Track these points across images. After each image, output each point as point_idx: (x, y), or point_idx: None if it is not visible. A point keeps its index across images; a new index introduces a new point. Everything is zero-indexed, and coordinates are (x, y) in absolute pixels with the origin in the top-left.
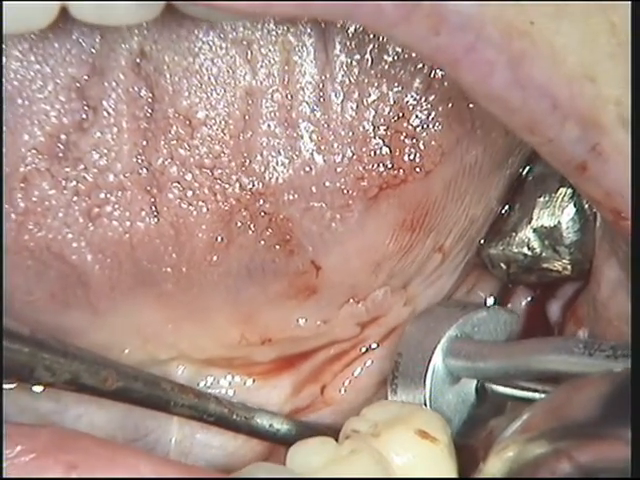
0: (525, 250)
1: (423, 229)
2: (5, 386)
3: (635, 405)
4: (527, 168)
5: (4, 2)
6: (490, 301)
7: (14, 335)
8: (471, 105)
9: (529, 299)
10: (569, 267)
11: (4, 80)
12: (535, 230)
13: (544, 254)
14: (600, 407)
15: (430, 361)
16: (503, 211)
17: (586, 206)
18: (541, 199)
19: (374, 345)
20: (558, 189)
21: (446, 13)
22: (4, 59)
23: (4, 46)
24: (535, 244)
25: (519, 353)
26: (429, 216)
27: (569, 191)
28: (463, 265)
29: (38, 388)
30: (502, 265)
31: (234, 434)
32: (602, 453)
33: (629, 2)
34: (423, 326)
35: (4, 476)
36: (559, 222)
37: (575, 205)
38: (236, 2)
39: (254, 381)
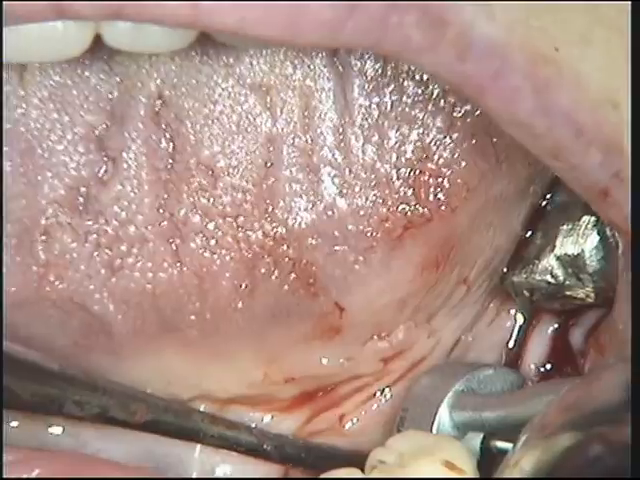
0: (548, 278)
1: (448, 264)
2: (12, 423)
3: (635, 406)
4: (549, 196)
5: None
6: (520, 321)
7: (44, 370)
8: (495, 139)
9: (552, 327)
10: (592, 295)
11: (24, 130)
12: (558, 258)
13: (567, 282)
14: (624, 391)
15: (436, 415)
16: (526, 239)
17: (609, 234)
18: (564, 227)
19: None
20: (581, 217)
21: (472, 40)
22: (24, 108)
23: (23, 93)
24: (558, 272)
25: (524, 398)
26: (454, 251)
27: (592, 219)
28: (486, 295)
29: (57, 429)
30: (525, 293)
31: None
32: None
33: (629, 2)
34: (430, 382)
35: (4, 476)
36: (582, 250)
37: (598, 233)
38: (267, 31)
39: (272, 417)
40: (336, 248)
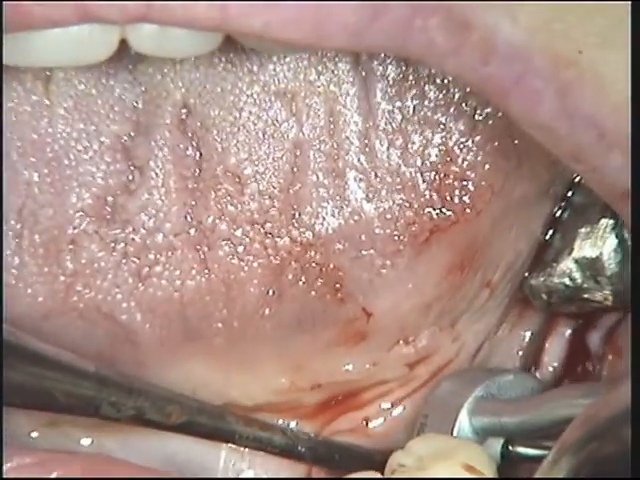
0: (566, 281)
1: (472, 267)
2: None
3: (635, 408)
4: (567, 198)
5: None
6: (538, 324)
7: (80, 372)
8: (516, 141)
9: (570, 330)
10: (610, 298)
11: (51, 140)
12: (577, 261)
13: (585, 285)
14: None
15: (456, 420)
16: (544, 242)
17: (627, 237)
18: (582, 230)
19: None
20: (599, 220)
21: (496, 44)
22: (49, 119)
23: (48, 102)
24: (576, 275)
25: (543, 403)
26: (478, 254)
27: (611, 222)
28: (508, 299)
29: (86, 441)
30: (543, 296)
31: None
32: None
33: (629, 2)
34: (449, 388)
35: (4, 476)
36: (601, 253)
37: (617, 236)
38: (293, 34)
39: (297, 423)
40: (363, 252)
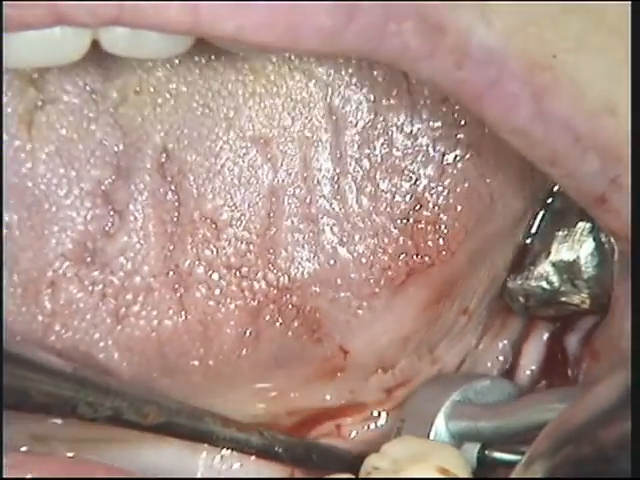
0: (544, 284)
1: (449, 298)
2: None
3: (635, 405)
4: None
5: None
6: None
7: (57, 372)
8: (488, 180)
9: (548, 334)
10: (587, 301)
11: (32, 184)
12: (554, 264)
13: (563, 288)
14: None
15: (432, 424)
16: (524, 245)
17: (604, 240)
18: (560, 233)
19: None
20: (577, 223)
21: (470, 48)
22: (32, 163)
23: (30, 147)
24: (554, 278)
25: (520, 408)
26: (455, 287)
27: (588, 225)
28: (487, 318)
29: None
30: (520, 299)
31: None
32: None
33: (629, 2)
34: (427, 393)
35: (4, 476)
36: (578, 256)
37: (594, 240)
38: (266, 37)
39: None
40: (339, 295)
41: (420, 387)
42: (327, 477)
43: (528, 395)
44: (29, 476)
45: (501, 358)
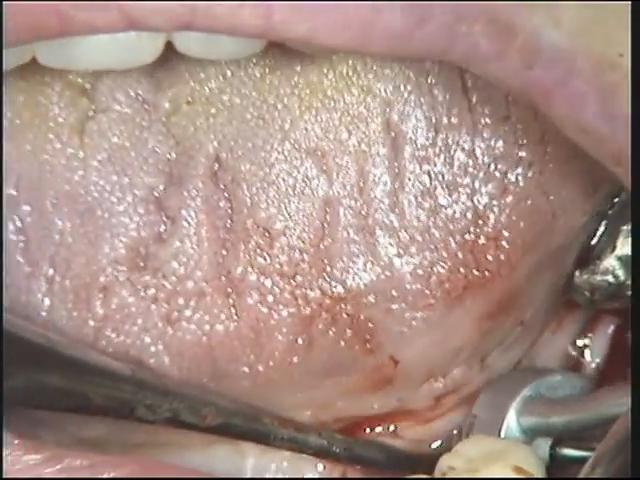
0: (610, 278)
1: (506, 312)
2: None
3: (635, 404)
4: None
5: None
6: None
7: (116, 375)
8: (551, 197)
9: (613, 327)
10: None
11: (84, 192)
12: (619, 258)
13: (628, 282)
14: None
15: (504, 420)
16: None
17: None
18: (625, 227)
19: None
20: None
21: (539, 47)
22: (84, 171)
23: (82, 155)
24: (619, 272)
25: (591, 403)
26: (512, 301)
27: None
28: (542, 325)
29: None
30: (586, 293)
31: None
32: None
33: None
34: (498, 389)
35: (4, 476)
36: None
37: None
38: (337, 40)
39: None
40: (394, 306)
41: (491, 383)
42: (401, 477)
43: (599, 389)
44: (105, 476)
45: (562, 353)
